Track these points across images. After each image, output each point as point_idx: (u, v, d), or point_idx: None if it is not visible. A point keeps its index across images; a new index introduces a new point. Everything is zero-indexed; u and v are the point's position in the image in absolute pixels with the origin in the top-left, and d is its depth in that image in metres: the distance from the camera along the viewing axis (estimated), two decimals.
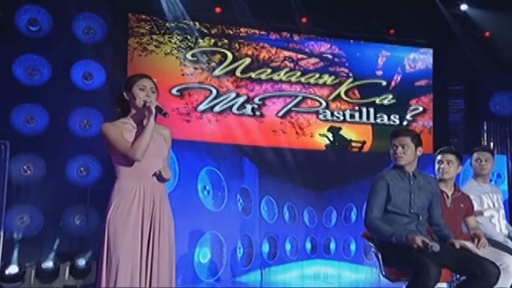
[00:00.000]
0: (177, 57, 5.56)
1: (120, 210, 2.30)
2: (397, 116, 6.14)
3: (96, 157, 5.02)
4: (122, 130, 2.37)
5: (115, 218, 2.30)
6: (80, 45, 5.11)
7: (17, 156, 4.81)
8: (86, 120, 5.13)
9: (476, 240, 2.98)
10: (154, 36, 5.53)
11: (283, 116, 5.84)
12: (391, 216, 2.77)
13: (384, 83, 6.14)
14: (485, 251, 2.86)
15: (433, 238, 2.81)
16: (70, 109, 5.08)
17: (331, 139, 5.93)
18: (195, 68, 5.61)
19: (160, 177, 2.39)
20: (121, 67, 5.27)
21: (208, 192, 4.74)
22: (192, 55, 5.62)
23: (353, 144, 5.98)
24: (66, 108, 5.04)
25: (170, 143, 2.50)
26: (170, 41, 5.56)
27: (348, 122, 6.00)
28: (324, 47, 6.02)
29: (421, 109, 6.23)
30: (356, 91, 6.08)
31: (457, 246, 2.68)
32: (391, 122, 6.09)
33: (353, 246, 5.18)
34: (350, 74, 6.08)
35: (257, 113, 5.76)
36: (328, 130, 5.93)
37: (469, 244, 2.71)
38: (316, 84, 5.97)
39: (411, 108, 6.18)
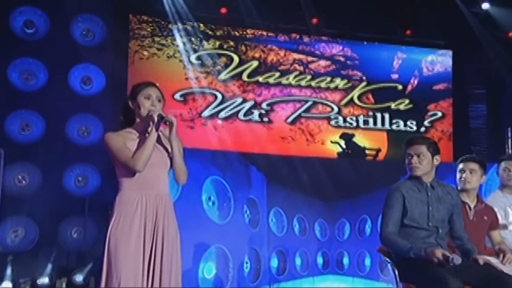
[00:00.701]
0: (180, 60, 5.61)
1: (122, 224, 2.31)
2: (414, 122, 6.13)
3: (95, 166, 5.04)
4: (125, 140, 2.39)
5: (116, 232, 2.31)
6: (78, 48, 5.15)
7: (11, 165, 4.85)
8: (85, 127, 5.15)
9: (501, 256, 2.92)
10: (156, 38, 5.58)
11: (293, 122, 5.85)
12: (408, 230, 2.74)
13: (400, 87, 6.15)
14: (511, 268, 2.81)
15: (454, 252, 2.74)
16: (68, 116, 5.11)
17: (344, 146, 5.93)
18: (200, 72, 5.66)
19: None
20: (121, 71, 5.30)
21: (213, 203, 4.77)
22: (197, 58, 5.66)
23: (367, 152, 5.99)
24: (63, 114, 5.07)
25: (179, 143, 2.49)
26: (173, 44, 5.61)
27: (362, 128, 6.01)
28: (336, 49, 6.04)
29: (440, 114, 6.22)
30: (370, 96, 6.09)
31: (481, 262, 2.63)
32: (408, 129, 6.09)
33: (367, 261, 5.16)
34: (364, 78, 6.09)
35: (265, 119, 5.78)
36: (341, 137, 5.94)
37: (493, 260, 2.69)
38: (327, 88, 5.99)
39: (429, 113, 6.18)
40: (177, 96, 5.55)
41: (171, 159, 2.43)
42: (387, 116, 6.07)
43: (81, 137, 5.14)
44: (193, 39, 5.65)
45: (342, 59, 6.06)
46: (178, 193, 4.36)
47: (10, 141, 4.92)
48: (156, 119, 2.37)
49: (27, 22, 5.08)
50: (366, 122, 6.02)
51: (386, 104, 6.09)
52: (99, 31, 5.24)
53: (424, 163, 2.76)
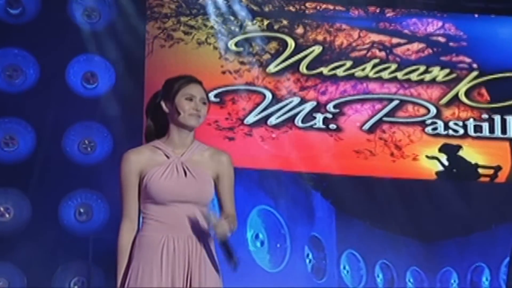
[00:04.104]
0: (215, 48, 5.62)
1: (140, 275, 2.34)
2: None
3: (102, 193, 5.04)
4: (145, 166, 2.43)
5: (134, 286, 2.34)
6: (79, 34, 5.15)
7: None
8: (88, 140, 5.17)
9: None
10: (183, 19, 5.60)
11: (371, 130, 5.77)
12: None
13: None
14: None
15: None
16: (66, 125, 5.12)
17: (446, 163, 5.81)
18: (242, 63, 5.65)
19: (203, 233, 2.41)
20: (136, 64, 5.30)
21: (262, 243, 4.89)
22: (237, 44, 5.65)
23: (480, 171, 5.85)
24: (59, 123, 5.08)
25: (230, 174, 2.52)
26: (205, 25, 5.62)
27: (472, 137, 5.87)
28: (433, 25, 5.93)
29: None
30: (483, 91, 5.97)
31: None
32: None
33: None
34: (474, 66, 5.97)
35: (332, 125, 5.71)
36: (441, 150, 5.81)
37: None
38: (420, 82, 5.87)
39: None
40: (211, 96, 5.50)
41: (208, 191, 2.46)
42: (509, 119, 5.90)
43: (83, 154, 5.15)
44: (232, 18, 5.66)
45: (442, 40, 5.95)
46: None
47: None
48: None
49: (11, 0, 5.14)
50: (478, 129, 5.87)
51: (508, 103, 5.94)
52: (105, 11, 5.30)
53: None
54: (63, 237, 4.96)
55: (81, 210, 5.06)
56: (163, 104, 2.46)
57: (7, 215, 4.97)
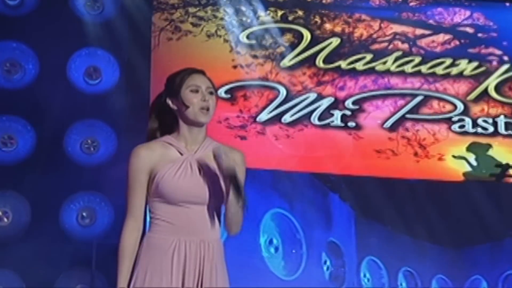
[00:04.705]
0: (226, 40, 5.63)
1: (149, 280, 2.36)
2: None
3: (106, 196, 5.06)
4: (157, 164, 2.44)
5: None
6: (81, 26, 5.17)
7: None
8: (91, 139, 5.17)
9: None
10: (191, 9, 5.62)
11: (393, 128, 5.75)
12: None
13: None
14: None
15: None
16: (67, 123, 5.13)
17: (474, 163, 5.77)
18: (254, 57, 5.65)
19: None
20: (142, 58, 5.31)
21: (276, 249, 4.93)
22: (250, 37, 5.65)
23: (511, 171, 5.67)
24: (60, 121, 5.08)
25: (242, 172, 2.54)
26: (215, 16, 5.62)
27: (503, 135, 5.84)
28: (460, 15, 5.90)
29: None
30: None
31: None
32: None
33: None
34: (505, 58, 5.92)
35: (351, 123, 5.70)
36: (469, 149, 5.78)
37: None
38: (446, 76, 5.83)
39: None
40: (221, 92, 5.53)
41: (223, 192, 2.46)
42: None
43: (85, 154, 5.16)
44: (244, 8, 5.67)
45: (470, 30, 5.91)
46: (225, 234, 4.49)
47: None
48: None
49: None
50: (509, 126, 5.83)
51: None
52: (109, 2, 5.31)
53: None
54: (65, 243, 4.97)
55: (84, 214, 5.08)
56: (169, 102, 2.49)
57: (5, 219, 4.99)
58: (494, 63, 5.88)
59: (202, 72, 2.54)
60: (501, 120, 5.81)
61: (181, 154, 2.45)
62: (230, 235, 2.48)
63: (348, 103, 5.68)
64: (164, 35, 5.51)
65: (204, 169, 2.42)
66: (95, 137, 5.16)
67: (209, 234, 2.43)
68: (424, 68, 5.79)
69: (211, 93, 2.49)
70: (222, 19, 5.62)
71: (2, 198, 4.99)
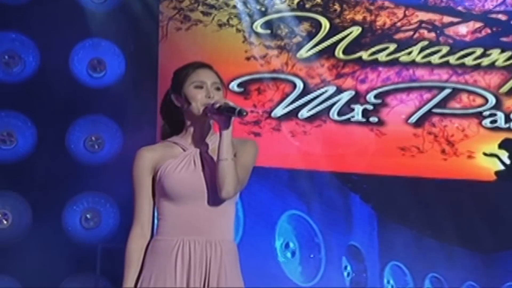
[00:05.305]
0: (238, 30, 5.64)
1: (153, 282, 2.40)
2: None
3: (111, 196, 5.11)
4: (159, 162, 2.48)
5: None
6: (84, 16, 5.19)
7: None
8: (95, 136, 5.20)
9: None
10: None
11: (419, 123, 5.73)
12: None
13: None
14: None
15: None
16: (70, 119, 5.16)
17: (507, 161, 5.73)
18: (268, 47, 5.66)
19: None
20: (149, 49, 5.36)
21: (293, 254, 4.98)
22: (264, 26, 5.66)
23: None
24: (63, 117, 5.12)
25: (250, 152, 2.59)
26: (227, 4, 5.62)
27: None
28: (492, 1, 5.80)
29: None
30: None
31: None
32: None
33: None
34: None
35: (373, 118, 5.69)
36: (501, 146, 5.73)
37: None
38: (477, 67, 5.77)
39: None
40: (233, 85, 5.56)
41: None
42: None
43: (89, 152, 5.20)
44: None
45: (503, 17, 5.81)
46: (238, 235, 4.62)
47: None
48: (217, 110, 2.42)
49: None
50: None
51: None
52: None
53: None
54: (68, 247, 4.99)
55: (88, 216, 5.12)
56: (173, 98, 2.52)
57: (4, 222, 5.03)
58: None
59: (209, 67, 2.55)
60: None
61: (184, 150, 2.49)
62: (224, 197, 2.42)
63: (370, 97, 5.67)
64: (173, 25, 5.53)
65: (209, 163, 2.44)
66: (100, 133, 5.20)
67: (216, 234, 2.45)
68: (452, 59, 5.73)
69: (217, 88, 2.50)
70: (234, 7, 5.61)
71: (2, 199, 5.04)
